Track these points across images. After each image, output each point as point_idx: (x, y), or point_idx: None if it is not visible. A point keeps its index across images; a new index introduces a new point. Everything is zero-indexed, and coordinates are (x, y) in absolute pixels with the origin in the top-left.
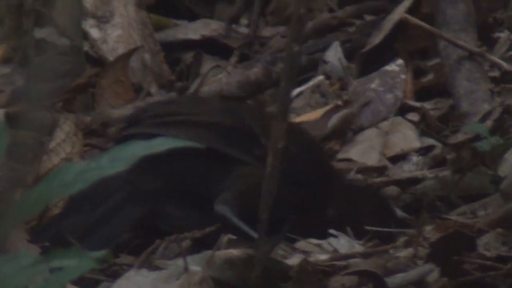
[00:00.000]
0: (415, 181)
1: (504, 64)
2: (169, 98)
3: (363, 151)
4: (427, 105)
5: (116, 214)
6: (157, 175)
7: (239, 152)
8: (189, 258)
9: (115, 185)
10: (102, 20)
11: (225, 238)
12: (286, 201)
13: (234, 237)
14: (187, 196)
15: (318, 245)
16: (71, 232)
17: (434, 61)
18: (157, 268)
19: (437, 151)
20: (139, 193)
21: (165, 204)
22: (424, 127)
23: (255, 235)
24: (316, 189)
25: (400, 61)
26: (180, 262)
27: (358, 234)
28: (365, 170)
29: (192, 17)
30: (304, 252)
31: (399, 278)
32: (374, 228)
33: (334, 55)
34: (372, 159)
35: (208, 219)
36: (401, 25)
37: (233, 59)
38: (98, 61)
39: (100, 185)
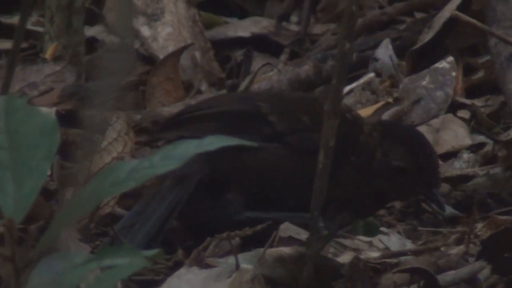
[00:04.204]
0: (466, 178)
1: None
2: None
3: None
4: (478, 102)
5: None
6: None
7: (247, 137)
8: (240, 256)
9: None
10: (153, 18)
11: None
12: (301, 174)
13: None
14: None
15: (369, 243)
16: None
17: (485, 58)
18: (208, 266)
19: (488, 148)
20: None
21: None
22: (475, 124)
23: (300, 216)
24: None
25: (450, 58)
26: (231, 260)
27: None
28: None
29: (242, 14)
30: (355, 249)
31: (450, 275)
32: (426, 228)
33: (384, 52)
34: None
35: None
36: (452, 22)
37: (284, 56)
38: (148, 59)
39: None
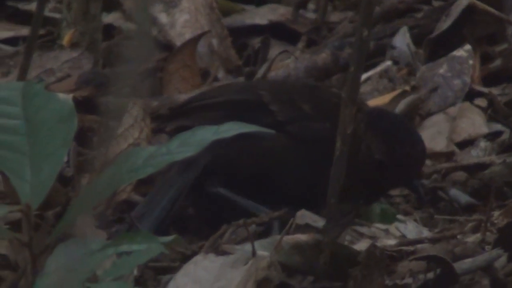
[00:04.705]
0: (483, 166)
1: None
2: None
3: (431, 136)
4: (495, 90)
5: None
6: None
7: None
8: (257, 243)
9: None
10: (170, 5)
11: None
12: (301, 163)
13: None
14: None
15: (385, 230)
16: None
17: (502, 46)
18: (225, 253)
19: (505, 136)
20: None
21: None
22: (492, 112)
23: (263, 209)
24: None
25: (468, 47)
26: (247, 247)
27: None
28: (433, 155)
29: (260, 2)
30: (372, 237)
31: (467, 263)
32: (443, 216)
33: (402, 40)
34: (440, 145)
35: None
36: (469, 10)
37: (301, 44)
38: (165, 46)
39: None
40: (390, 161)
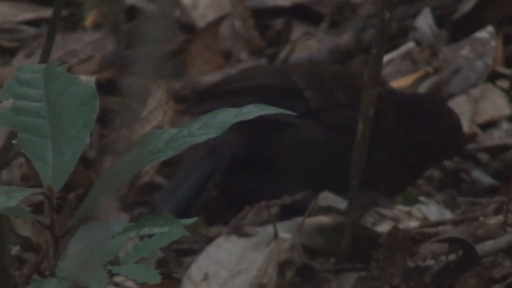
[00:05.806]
0: (505, 148)
1: None
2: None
3: None
4: None
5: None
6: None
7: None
8: (279, 225)
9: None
10: None
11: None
12: (334, 152)
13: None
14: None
15: (408, 212)
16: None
17: None
18: (247, 235)
19: None
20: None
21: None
22: None
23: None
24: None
25: (490, 28)
26: (269, 229)
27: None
28: None
29: None
30: (394, 219)
31: (488, 245)
32: (465, 198)
33: (424, 21)
34: (462, 126)
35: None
36: None
37: (323, 25)
38: (188, 28)
39: None
40: (435, 138)
